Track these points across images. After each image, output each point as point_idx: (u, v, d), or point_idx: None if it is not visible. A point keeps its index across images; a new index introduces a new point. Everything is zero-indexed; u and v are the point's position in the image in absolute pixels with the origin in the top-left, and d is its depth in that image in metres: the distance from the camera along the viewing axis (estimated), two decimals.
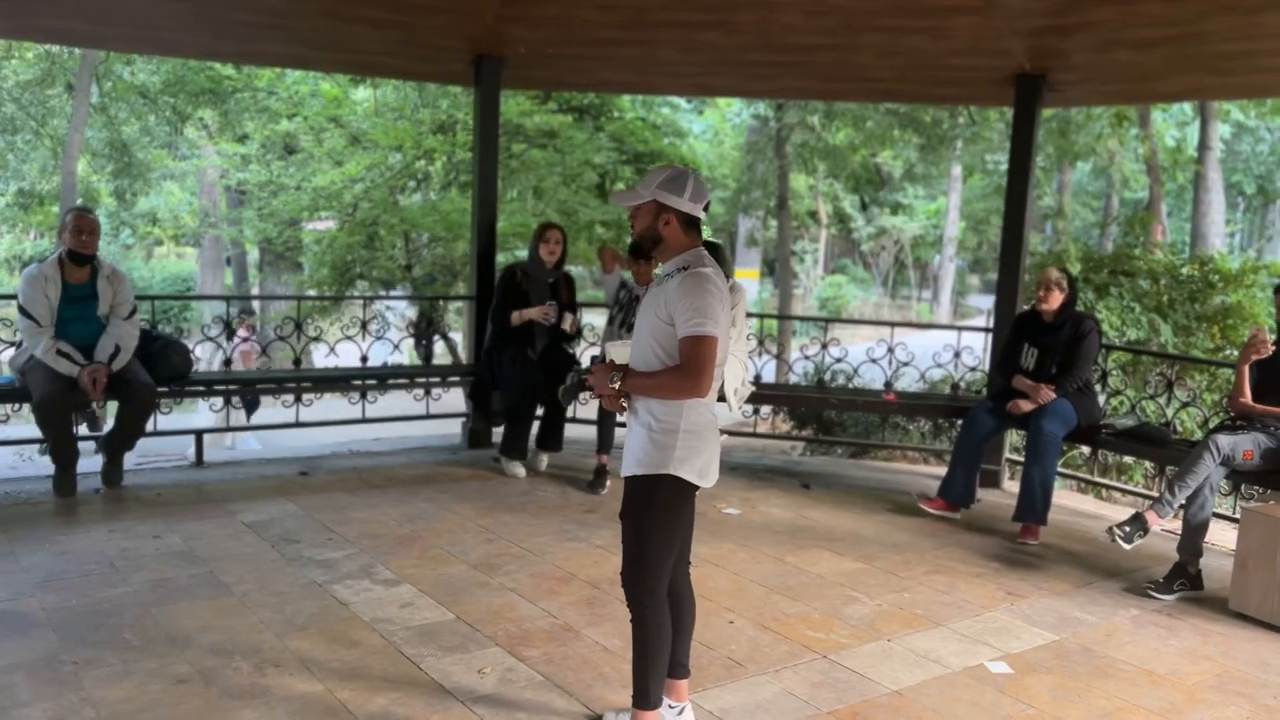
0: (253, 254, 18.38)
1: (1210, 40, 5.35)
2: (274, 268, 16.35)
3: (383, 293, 10.87)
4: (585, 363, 6.69)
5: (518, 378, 6.18)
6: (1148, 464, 7.10)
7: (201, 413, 8.64)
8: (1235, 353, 7.31)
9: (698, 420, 3.00)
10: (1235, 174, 28.01)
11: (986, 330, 8.50)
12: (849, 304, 28.64)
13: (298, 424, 6.56)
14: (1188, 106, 19.58)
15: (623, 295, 6.44)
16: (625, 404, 3.10)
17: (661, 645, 3.05)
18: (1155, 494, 6.89)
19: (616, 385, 3.05)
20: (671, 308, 2.92)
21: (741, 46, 6.38)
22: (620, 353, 6.08)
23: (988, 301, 32.96)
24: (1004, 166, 23.28)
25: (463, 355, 10.68)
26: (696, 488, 3.04)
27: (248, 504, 5.42)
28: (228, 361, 6.31)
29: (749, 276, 24.26)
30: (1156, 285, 7.40)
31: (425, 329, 10.77)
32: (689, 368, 2.90)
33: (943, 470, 7.37)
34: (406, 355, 12.47)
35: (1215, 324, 7.23)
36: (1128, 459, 7.19)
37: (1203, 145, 15.30)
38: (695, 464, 3.00)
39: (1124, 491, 6.92)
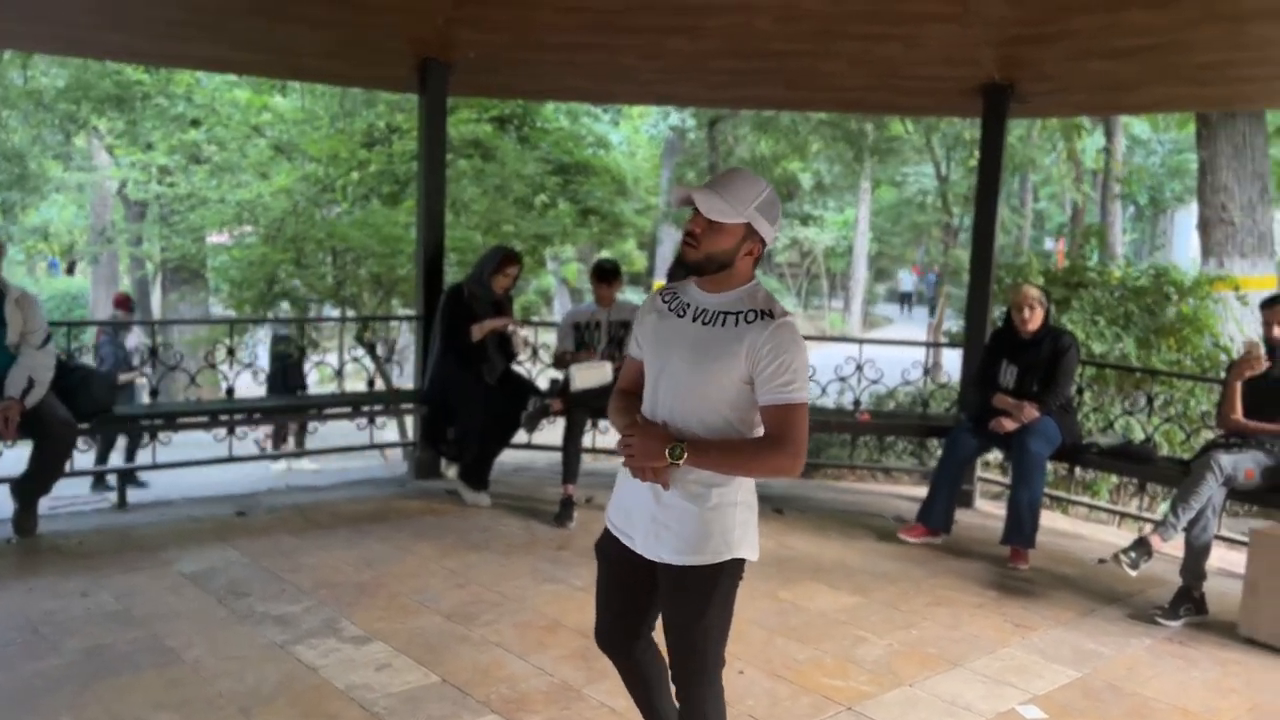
0: (151, 271, 17.31)
1: (1192, 50, 5.26)
2: (191, 285, 15.28)
3: (314, 313, 10.22)
4: (543, 385, 6.32)
5: (480, 405, 5.77)
6: (1113, 478, 7.02)
7: (118, 450, 8.00)
8: (1193, 364, 7.31)
9: (750, 485, 2.53)
10: (1129, 185, 29.02)
11: (931, 345, 8.47)
12: None
13: (230, 459, 6.04)
14: (1087, 120, 20.12)
15: (581, 323, 6.10)
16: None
17: None
18: (1120, 509, 6.87)
19: (682, 461, 2.36)
20: (755, 363, 2.36)
21: (708, 53, 6.09)
22: (587, 375, 5.74)
23: (893, 309, 33.68)
24: (911, 179, 23.48)
25: (409, 380, 9.96)
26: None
27: (183, 551, 4.89)
28: (154, 392, 5.74)
29: None
30: (1111, 297, 7.35)
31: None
32: (790, 441, 2.34)
33: (897, 486, 7.24)
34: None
35: (1171, 336, 7.20)
36: (1090, 475, 7.10)
37: (1108, 157, 15.70)
38: (752, 538, 2.53)
39: (1091, 507, 6.83)
